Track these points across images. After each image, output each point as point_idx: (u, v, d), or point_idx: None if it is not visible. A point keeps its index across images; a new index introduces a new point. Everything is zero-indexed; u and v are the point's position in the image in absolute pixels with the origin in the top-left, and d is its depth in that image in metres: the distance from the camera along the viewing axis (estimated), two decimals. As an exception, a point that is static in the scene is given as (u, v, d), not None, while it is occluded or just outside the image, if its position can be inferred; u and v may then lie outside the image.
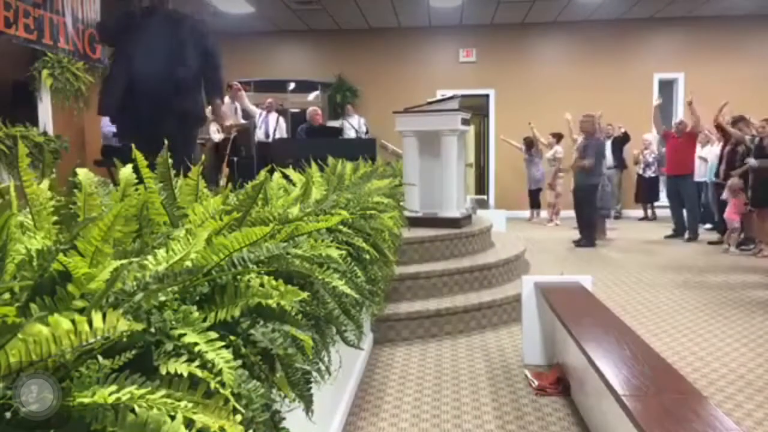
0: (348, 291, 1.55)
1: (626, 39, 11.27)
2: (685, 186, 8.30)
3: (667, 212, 8.96)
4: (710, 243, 7.85)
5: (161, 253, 1.18)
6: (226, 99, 8.50)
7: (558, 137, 10.00)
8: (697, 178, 8.84)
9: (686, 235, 8.26)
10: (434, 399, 3.09)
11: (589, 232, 7.84)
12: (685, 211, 8.41)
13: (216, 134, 8.31)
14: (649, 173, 10.22)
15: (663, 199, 9.95)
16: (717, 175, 7.96)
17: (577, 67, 11.42)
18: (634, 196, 10.72)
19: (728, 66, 10.95)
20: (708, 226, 8.82)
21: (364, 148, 6.75)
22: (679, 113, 11.03)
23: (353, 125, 9.56)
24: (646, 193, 10.45)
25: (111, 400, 0.74)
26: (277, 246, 1.33)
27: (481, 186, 12.68)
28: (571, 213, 8.41)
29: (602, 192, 8.32)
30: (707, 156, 8.59)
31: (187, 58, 3.76)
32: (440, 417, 2.89)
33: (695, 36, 11.19)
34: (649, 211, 10.71)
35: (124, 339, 0.86)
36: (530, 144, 10.55)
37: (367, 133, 9.83)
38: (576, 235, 8.22)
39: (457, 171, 5.18)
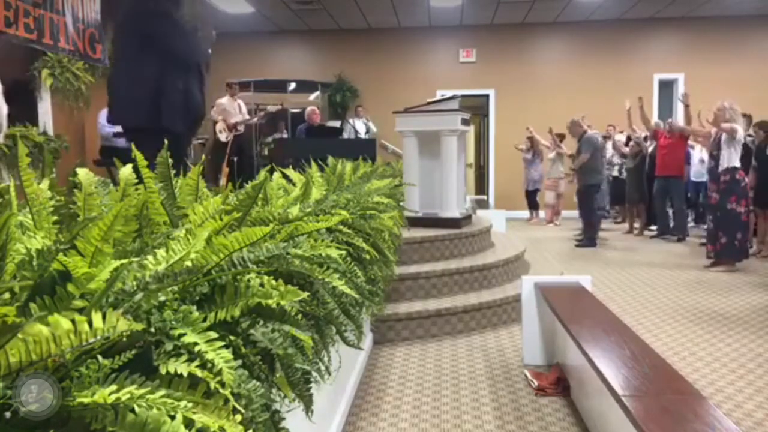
0: (348, 291, 1.55)
1: (626, 39, 11.27)
2: (674, 187, 8.21)
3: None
4: (702, 244, 7.81)
5: (161, 253, 1.18)
6: (227, 97, 8.46)
7: (560, 138, 9.98)
8: (697, 178, 8.82)
9: (674, 236, 8.25)
10: (434, 399, 3.09)
11: (590, 232, 7.85)
12: (671, 212, 8.39)
13: (221, 134, 8.28)
14: (625, 174, 10.04)
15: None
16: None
17: (577, 67, 11.41)
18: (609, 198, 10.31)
19: (728, 66, 10.94)
20: (706, 226, 8.80)
21: (364, 148, 6.75)
22: (679, 114, 11.02)
23: (356, 128, 9.48)
24: (621, 194, 10.09)
25: (111, 400, 0.74)
26: (277, 246, 1.33)
27: (481, 186, 12.67)
28: (571, 213, 8.42)
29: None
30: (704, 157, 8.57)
31: None
32: (440, 417, 2.88)
33: (695, 36, 11.18)
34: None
35: (124, 339, 0.86)
36: (531, 144, 10.53)
37: (367, 132, 9.81)
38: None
39: (457, 171, 5.18)
